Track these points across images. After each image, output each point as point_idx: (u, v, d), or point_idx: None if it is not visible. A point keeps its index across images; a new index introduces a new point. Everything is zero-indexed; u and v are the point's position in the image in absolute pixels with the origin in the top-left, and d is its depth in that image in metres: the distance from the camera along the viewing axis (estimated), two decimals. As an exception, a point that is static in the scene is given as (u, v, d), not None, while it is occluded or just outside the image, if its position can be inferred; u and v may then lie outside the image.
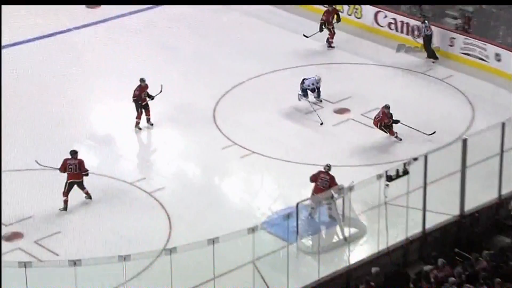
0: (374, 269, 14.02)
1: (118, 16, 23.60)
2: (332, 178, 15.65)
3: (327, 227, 15.48)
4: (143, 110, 18.76)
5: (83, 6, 24.00)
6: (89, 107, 20.04)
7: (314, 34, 21.81)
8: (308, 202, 15.18)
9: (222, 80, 20.59)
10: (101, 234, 15.78)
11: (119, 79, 20.83)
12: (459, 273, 13.38)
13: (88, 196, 16.40)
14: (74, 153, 16.25)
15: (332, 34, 21.98)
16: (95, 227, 16.02)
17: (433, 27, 21.43)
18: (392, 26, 22.35)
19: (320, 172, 15.84)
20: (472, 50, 20.98)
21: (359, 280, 13.94)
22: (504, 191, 15.69)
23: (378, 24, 22.62)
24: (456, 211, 15.43)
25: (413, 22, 21.98)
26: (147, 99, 18.73)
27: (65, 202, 16.17)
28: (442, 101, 19.77)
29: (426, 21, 21.16)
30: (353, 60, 21.54)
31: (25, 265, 12.28)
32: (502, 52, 20.46)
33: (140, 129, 18.76)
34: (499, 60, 20.50)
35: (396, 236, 14.93)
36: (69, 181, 16.12)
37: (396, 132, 18.18)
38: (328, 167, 15.84)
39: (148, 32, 23.00)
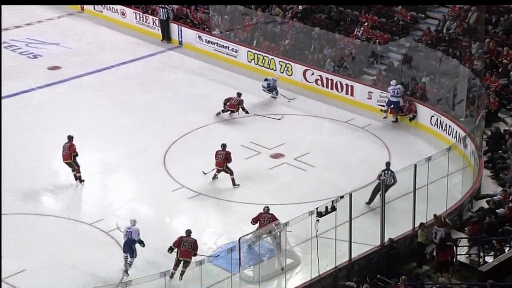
0: (308, 295, 14.17)
1: (76, 77, 23.48)
2: (273, 216, 15.75)
3: (266, 259, 15.51)
4: None
5: (45, 68, 23.88)
6: (51, 156, 19.67)
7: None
8: (249, 236, 15.18)
9: (171, 130, 20.63)
10: (62, 270, 15.52)
11: (79, 131, 20.54)
12: (381, 296, 13.53)
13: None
14: (189, 232, 15.06)
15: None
16: (57, 263, 15.74)
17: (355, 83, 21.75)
18: (319, 82, 22.72)
19: (260, 213, 15.92)
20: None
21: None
22: (418, 224, 15.82)
23: (306, 80, 22.97)
24: (377, 242, 15.59)
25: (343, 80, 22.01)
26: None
27: (172, 274, 14.88)
28: (363, 146, 20.12)
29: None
30: (286, 111, 21.78)
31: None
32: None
33: None
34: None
35: (326, 265, 15.11)
36: (179, 257, 14.92)
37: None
38: (267, 208, 15.97)
39: (104, 89, 22.96)
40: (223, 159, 17.85)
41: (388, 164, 17.44)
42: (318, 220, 14.46)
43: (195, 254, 14.98)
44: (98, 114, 21.48)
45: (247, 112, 21.16)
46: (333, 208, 14.58)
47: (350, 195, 14.82)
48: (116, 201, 18.08)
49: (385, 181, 16.57)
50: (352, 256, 15.24)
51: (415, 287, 13.94)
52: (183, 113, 21.53)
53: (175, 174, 18.77)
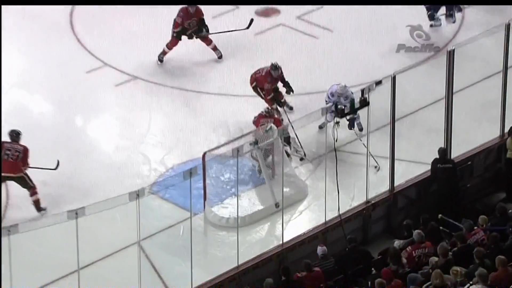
0: (320, 249, 14.01)
1: None
2: (277, 121, 15.73)
3: (249, 188, 15.43)
4: None
5: None
6: None
7: None
8: (220, 151, 15.01)
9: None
10: None
11: None
12: (444, 249, 13.23)
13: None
14: (16, 134, 15.58)
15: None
16: None
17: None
18: None
19: (260, 115, 15.83)
20: None
21: (297, 265, 13.87)
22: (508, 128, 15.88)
23: None
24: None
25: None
26: None
27: None
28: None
29: None
30: None
31: None
32: None
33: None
34: None
35: (352, 198, 15.07)
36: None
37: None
38: (269, 109, 15.90)
39: None
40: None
41: None
42: (337, 123, 14.63)
43: (26, 167, 15.35)
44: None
45: None
46: (364, 102, 14.37)
47: (393, 78, 14.45)
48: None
49: None
50: (396, 184, 15.12)
51: (504, 232, 13.57)
52: None
53: (91, 44, 18.60)
